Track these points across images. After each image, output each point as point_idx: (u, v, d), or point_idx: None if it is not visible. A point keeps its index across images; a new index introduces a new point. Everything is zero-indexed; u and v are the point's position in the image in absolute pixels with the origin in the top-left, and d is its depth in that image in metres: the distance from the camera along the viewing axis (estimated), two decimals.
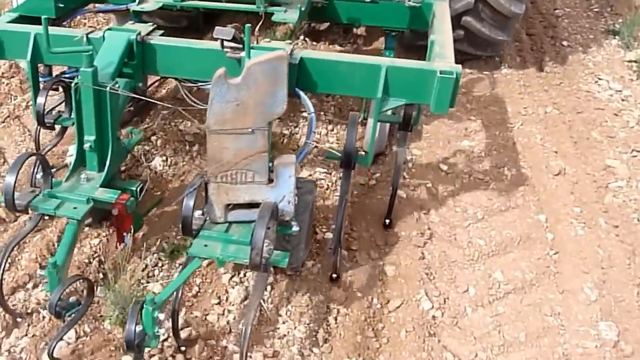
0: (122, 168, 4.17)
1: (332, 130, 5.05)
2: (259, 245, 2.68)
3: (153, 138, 4.78)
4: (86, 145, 3.28)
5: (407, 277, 3.75)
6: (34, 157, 3.26)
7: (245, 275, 3.69)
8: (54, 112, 3.70)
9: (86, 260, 3.73)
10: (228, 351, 3.27)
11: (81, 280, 3.26)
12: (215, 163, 2.94)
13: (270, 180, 2.99)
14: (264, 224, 2.70)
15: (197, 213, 2.99)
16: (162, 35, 3.55)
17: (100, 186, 3.27)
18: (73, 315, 3.02)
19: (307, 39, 6.27)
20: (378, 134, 4.25)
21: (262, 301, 3.45)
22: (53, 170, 3.32)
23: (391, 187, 4.06)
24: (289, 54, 3.09)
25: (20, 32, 3.53)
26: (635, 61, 6.24)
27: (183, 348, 3.22)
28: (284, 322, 3.42)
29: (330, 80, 3.30)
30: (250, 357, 3.20)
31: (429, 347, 3.35)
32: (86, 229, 3.95)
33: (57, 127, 3.75)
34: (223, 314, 3.46)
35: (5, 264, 3.10)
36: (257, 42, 3.32)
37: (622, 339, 3.41)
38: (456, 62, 3.24)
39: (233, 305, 3.50)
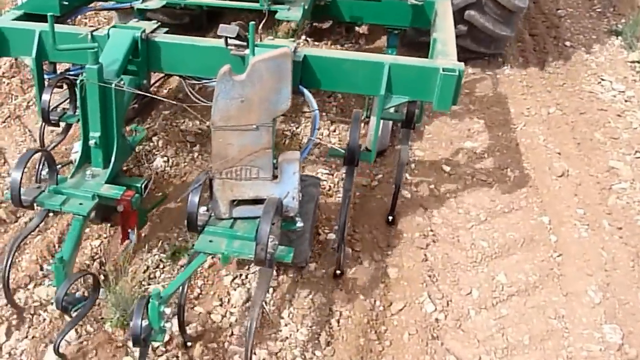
0: (124, 168, 4.16)
1: (335, 131, 5.03)
2: (263, 240, 2.71)
3: (154, 138, 4.76)
4: (91, 142, 3.31)
5: (410, 279, 3.73)
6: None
7: (247, 277, 3.68)
8: (58, 110, 3.71)
9: (87, 262, 3.71)
10: (230, 353, 3.24)
11: (87, 276, 3.27)
12: (220, 159, 2.96)
13: (275, 177, 3.01)
14: (269, 219, 2.73)
15: (202, 209, 3.02)
16: (166, 33, 3.57)
17: (106, 182, 3.29)
18: (79, 310, 3.03)
19: (308, 39, 6.25)
20: (381, 131, 4.29)
21: (264, 302, 3.43)
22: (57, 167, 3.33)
23: (394, 185, 4.06)
24: (292, 52, 3.10)
25: (26, 30, 3.56)
26: (638, 62, 6.22)
27: (189, 343, 3.22)
28: (286, 325, 3.40)
29: (334, 78, 3.32)
30: (255, 354, 3.19)
31: (432, 350, 3.32)
32: (87, 230, 3.93)
33: (62, 124, 3.76)
34: (225, 316, 3.44)
35: (12, 258, 3.14)
36: (261, 40, 3.33)
37: (626, 342, 3.38)
38: (459, 61, 3.24)
39: (235, 307, 3.48)
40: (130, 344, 3.24)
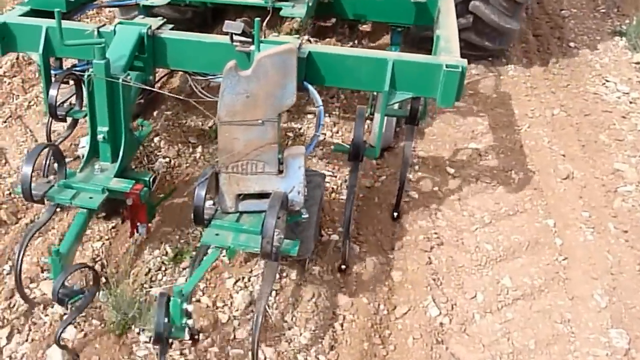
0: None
1: (337, 132, 4.99)
2: (269, 234, 2.74)
3: (156, 139, 4.73)
4: (99, 137, 3.33)
5: (414, 282, 3.69)
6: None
7: (249, 280, 3.64)
8: (65, 105, 3.72)
9: (89, 264, 3.66)
10: (232, 356, 3.21)
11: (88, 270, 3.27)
12: (226, 154, 2.99)
13: (280, 171, 3.04)
14: (275, 213, 2.76)
15: (209, 203, 3.04)
16: (172, 29, 3.59)
17: (114, 176, 3.31)
18: (78, 303, 3.05)
19: (312, 39, 6.21)
20: (385, 128, 4.34)
21: (267, 306, 3.40)
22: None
23: (399, 180, 4.07)
24: (297, 48, 3.11)
25: (33, 26, 3.58)
26: None
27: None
28: (289, 328, 3.37)
29: (338, 74, 3.33)
30: (260, 347, 3.17)
31: (436, 354, 3.29)
32: (88, 231, 3.90)
33: (69, 119, 3.77)
34: (228, 319, 3.41)
35: (24, 252, 3.16)
36: (265, 37, 3.34)
37: (633, 347, 3.35)
38: (464, 57, 3.26)
39: (237, 310, 3.45)
40: (134, 347, 3.24)
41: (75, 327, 3.28)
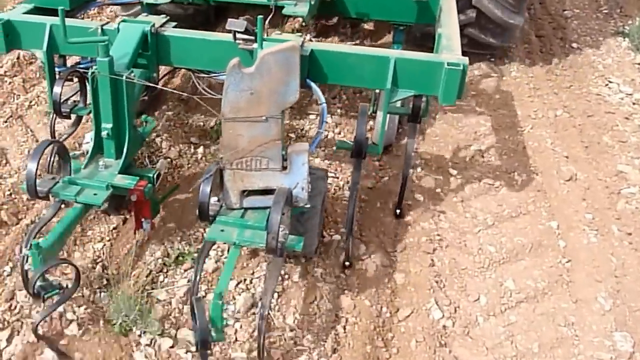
0: None
1: (340, 133, 4.97)
2: (274, 229, 2.76)
3: (158, 140, 4.70)
4: (104, 133, 3.35)
5: (417, 285, 3.67)
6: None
7: (251, 282, 3.62)
8: (69, 102, 3.74)
9: (90, 265, 3.66)
10: (234, 358, 3.19)
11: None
12: (230, 150, 3.01)
13: (284, 168, 3.05)
14: (279, 209, 2.78)
15: (213, 199, 3.07)
16: (175, 27, 3.61)
17: (119, 173, 3.33)
18: (55, 298, 3.07)
19: (313, 39, 6.19)
20: (388, 125, 4.35)
21: (269, 309, 3.37)
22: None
23: (402, 177, 4.08)
24: (300, 46, 3.12)
25: (37, 23, 3.60)
26: None
27: None
28: (291, 330, 3.35)
29: (341, 72, 3.36)
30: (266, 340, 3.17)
31: (439, 357, 3.27)
32: (89, 232, 3.89)
33: (73, 116, 3.79)
34: (230, 321, 3.38)
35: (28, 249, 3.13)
36: (268, 35, 3.33)
37: (637, 351, 3.33)
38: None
39: (239, 312, 3.43)
40: (135, 349, 3.22)
41: (79, 327, 3.28)
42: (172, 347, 3.24)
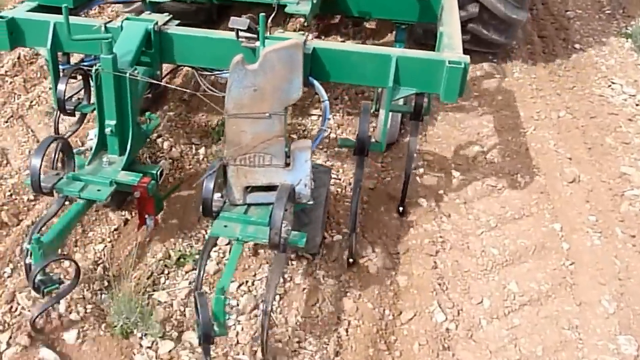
0: None
1: (342, 134, 4.95)
2: (277, 225, 2.78)
3: (159, 140, 4.68)
4: (107, 130, 3.37)
5: (420, 287, 3.65)
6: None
7: (253, 284, 3.60)
8: (73, 100, 3.75)
9: (91, 267, 3.64)
10: None
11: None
12: (233, 146, 3.02)
13: (287, 164, 3.07)
14: (282, 204, 2.80)
15: (217, 195, 3.07)
16: (178, 25, 3.62)
17: (122, 169, 3.35)
18: (55, 292, 3.11)
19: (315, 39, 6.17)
20: (390, 123, 4.37)
21: (271, 311, 3.35)
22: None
23: (404, 174, 4.09)
24: (302, 44, 3.13)
25: (41, 21, 3.62)
26: None
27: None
28: (294, 333, 3.33)
29: (343, 70, 3.37)
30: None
31: None
32: (90, 234, 3.87)
33: (77, 114, 3.79)
34: (232, 324, 3.36)
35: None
36: (270, 34, 3.35)
37: None
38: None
39: (242, 314, 3.41)
40: (135, 352, 3.20)
41: (80, 329, 3.27)
42: (173, 349, 3.22)
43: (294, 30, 6.07)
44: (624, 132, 5.17)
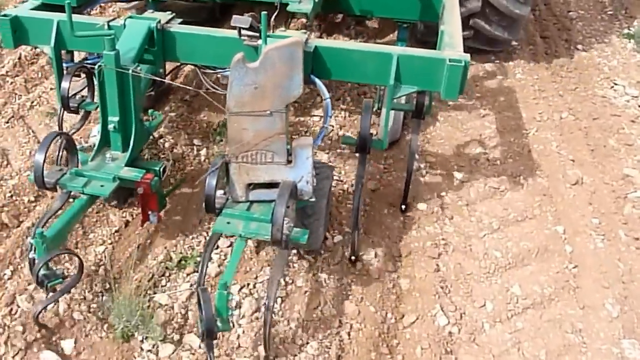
0: None
1: (344, 135, 4.92)
2: (279, 222, 2.81)
3: (160, 141, 4.67)
4: (110, 126, 3.39)
5: (422, 290, 3.63)
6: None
7: (254, 287, 3.58)
8: (77, 97, 3.77)
9: (92, 268, 3.62)
10: None
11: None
12: (235, 144, 3.05)
13: (289, 161, 3.09)
14: (284, 201, 2.82)
15: (220, 192, 3.11)
16: (180, 23, 3.65)
17: (125, 165, 3.37)
18: (59, 287, 3.12)
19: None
20: (392, 122, 4.46)
21: (273, 313, 3.33)
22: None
23: (406, 172, 4.10)
24: (304, 43, 3.15)
25: (44, 19, 3.65)
26: None
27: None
28: (295, 336, 3.31)
29: (344, 68, 3.40)
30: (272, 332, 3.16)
31: None
32: (90, 235, 3.85)
33: (81, 111, 3.81)
34: (233, 327, 3.35)
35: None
36: (272, 32, 3.37)
37: None
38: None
39: (244, 317, 3.39)
40: (136, 355, 3.18)
41: (80, 332, 3.26)
42: (174, 352, 3.20)
43: (297, 29, 6.05)
44: (627, 133, 5.15)
